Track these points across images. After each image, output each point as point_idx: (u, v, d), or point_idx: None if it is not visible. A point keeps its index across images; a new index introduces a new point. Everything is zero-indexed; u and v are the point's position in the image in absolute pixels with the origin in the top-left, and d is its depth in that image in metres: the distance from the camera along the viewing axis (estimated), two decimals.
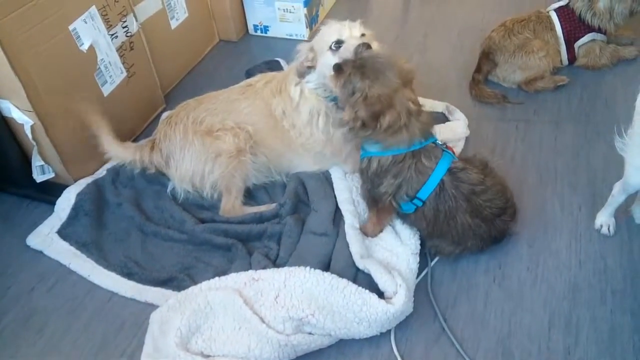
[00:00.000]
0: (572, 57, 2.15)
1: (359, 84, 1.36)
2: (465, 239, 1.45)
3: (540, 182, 1.73)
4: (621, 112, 1.95)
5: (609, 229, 1.56)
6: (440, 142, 1.45)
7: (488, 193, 1.42)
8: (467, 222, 1.42)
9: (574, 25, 2.09)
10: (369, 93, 1.34)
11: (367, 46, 1.47)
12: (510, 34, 2.08)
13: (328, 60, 1.53)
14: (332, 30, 1.57)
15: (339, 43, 1.54)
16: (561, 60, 2.15)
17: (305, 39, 2.51)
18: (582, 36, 2.11)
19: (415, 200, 1.43)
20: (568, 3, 2.09)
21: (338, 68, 1.41)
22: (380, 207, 1.51)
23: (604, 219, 1.57)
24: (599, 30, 2.09)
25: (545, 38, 2.08)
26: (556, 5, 2.12)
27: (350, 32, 1.55)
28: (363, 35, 1.57)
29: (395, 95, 1.35)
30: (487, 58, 2.13)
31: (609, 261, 1.49)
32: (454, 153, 1.46)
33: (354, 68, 1.37)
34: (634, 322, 1.34)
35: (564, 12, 2.09)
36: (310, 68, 1.60)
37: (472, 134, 1.91)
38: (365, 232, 1.58)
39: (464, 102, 2.06)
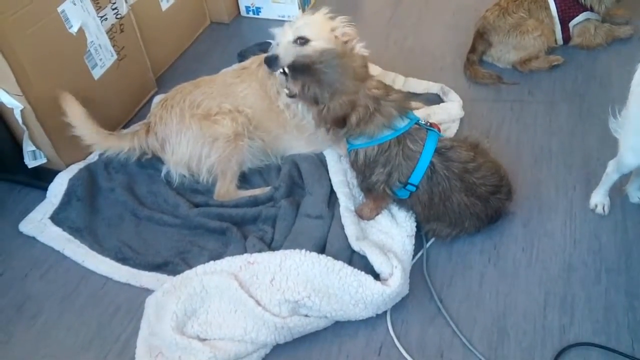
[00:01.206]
0: (566, 37, 2.13)
1: (318, 94, 1.37)
2: (462, 219, 1.45)
3: (535, 162, 1.73)
4: (616, 92, 1.95)
5: (603, 208, 1.56)
6: (422, 121, 1.44)
7: (481, 170, 1.42)
8: (463, 202, 1.41)
9: (569, 4, 2.07)
10: (331, 105, 1.35)
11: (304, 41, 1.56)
12: (505, 13, 2.07)
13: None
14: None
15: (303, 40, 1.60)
16: (556, 40, 2.13)
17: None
18: (577, 15, 2.09)
19: (408, 186, 1.42)
20: None
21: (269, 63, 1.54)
22: (375, 194, 1.51)
23: (598, 199, 1.57)
24: (593, 10, 2.08)
25: (539, 17, 2.06)
26: None
27: (284, 38, 1.61)
28: (300, 38, 1.59)
29: (355, 94, 1.35)
30: (481, 38, 2.11)
31: (603, 240, 1.50)
32: (439, 130, 1.45)
33: (310, 79, 1.37)
34: (628, 301, 1.35)
35: None
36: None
37: (466, 115, 1.90)
38: (361, 215, 1.58)
39: (458, 83, 2.05)
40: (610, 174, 1.50)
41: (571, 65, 2.09)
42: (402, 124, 1.39)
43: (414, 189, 1.42)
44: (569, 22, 2.10)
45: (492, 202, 1.45)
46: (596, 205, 1.57)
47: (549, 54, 2.11)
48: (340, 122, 1.38)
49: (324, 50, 1.45)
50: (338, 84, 1.35)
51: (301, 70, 1.39)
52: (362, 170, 1.46)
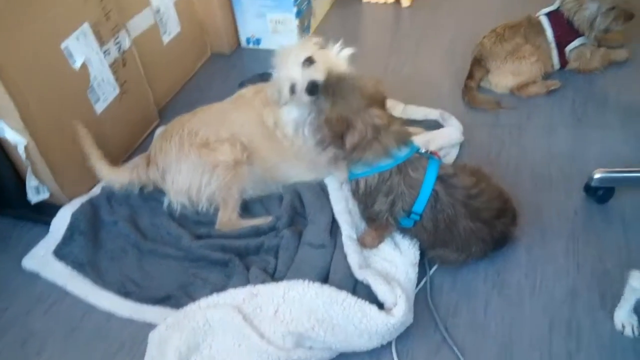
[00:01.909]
0: (563, 62, 2.16)
1: (323, 105, 1.38)
2: (469, 244, 1.45)
3: (535, 187, 1.73)
4: (613, 116, 1.96)
5: (633, 329, 1.32)
6: (422, 150, 1.45)
7: (484, 195, 1.42)
8: (469, 227, 1.41)
9: (565, 29, 2.10)
10: (328, 115, 1.36)
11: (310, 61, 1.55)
12: (502, 39, 2.09)
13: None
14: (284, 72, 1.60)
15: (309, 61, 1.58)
16: (553, 65, 2.16)
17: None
18: (573, 40, 2.11)
19: (412, 215, 1.42)
20: (558, 7, 2.10)
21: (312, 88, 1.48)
22: (378, 223, 1.51)
23: (624, 317, 1.33)
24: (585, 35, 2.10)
25: (536, 43, 2.09)
26: (546, 10, 2.13)
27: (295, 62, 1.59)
28: (308, 59, 1.59)
29: (356, 116, 1.35)
30: (479, 64, 2.14)
31: (607, 264, 1.49)
32: (439, 158, 1.46)
33: (324, 90, 1.40)
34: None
35: (555, 17, 2.10)
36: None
37: (466, 140, 1.91)
38: (363, 243, 1.57)
39: (457, 109, 2.06)
40: (637, 287, 1.28)
41: (568, 90, 2.11)
42: (402, 153, 1.40)
43: (418, 217, 1.42)
44: (565, 47, 2.12)
45: (497, 226, 1.45)
46: (623, 326, 1.33)
47: (546, 78, 2.13)
48: (335, 138, 1.38)
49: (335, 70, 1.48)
50: (342, 97, 1.36)
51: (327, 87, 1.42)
52: (364, 199, 1.46)
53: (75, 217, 1.74)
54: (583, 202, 1.67)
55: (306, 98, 1.53)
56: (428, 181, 1.39)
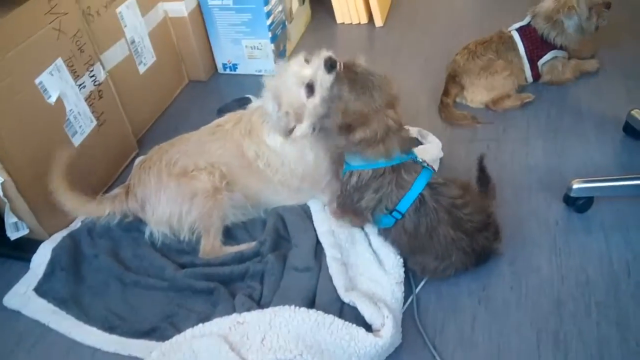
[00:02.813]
0: (536, 75, 2.20)
1: (345, 93, 1.40)
2: (448, 252, 1.46)
3: (516, 199, 1.75)
4: (588, 126, 2.00)
5: None
6: (420, 160, 1.48)
7: (469, 207, 1.44)
8: (450, 235, 1.43)
9: (536, 43, 2.14)
10: (349, 106, 1.39)
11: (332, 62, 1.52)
12: (474, 56, 2.13)
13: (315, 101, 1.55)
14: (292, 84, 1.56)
15: (310, 90, 1.55)
16: (526, 78, 2.19)
17: (275, 73, 2.52)
18: (545, 54, 2.15)
19: (394, 213, 1.44)
20: (529, 22, 2.15)
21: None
22: (351, 214, 1.55)
23: None
24: (561, 48, 2.15)
25: (508, 58, 2.13)
26: (517, 25, 2.17)
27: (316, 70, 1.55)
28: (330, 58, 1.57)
29: (374, 114, 1.38)
30: (453, 81, 2.17)
31: (590, 273, 1.50)
32: (434, 170, 1.49)
33: (347, 76, 1.41)
34: (620, 333, 1.35)
35: (526, 32, 2.14)
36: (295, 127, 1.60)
37: (445, 156, 1.93)
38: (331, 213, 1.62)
39: (435, 126, 2.09)
40: None
41: (543, 102, 2.14)
42: (400, 156, 1.44)
43: (399, 216, 1.44)
44: (538, 60, 2.16)
45: (478, 239, 1.46)
46: None
47: (520, 92, 2.16)
48: (344, 129, 1.40)
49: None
50: (367, 92, 1.38)
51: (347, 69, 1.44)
52: (352, 193, 1.48)
53: (55, 252, 1.72)
54: (563, 212, 1.69)
55: (327, 80, 1.50)
56: (417, 184, 1.42)
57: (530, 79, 2.20)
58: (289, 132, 1.60)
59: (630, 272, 1.49)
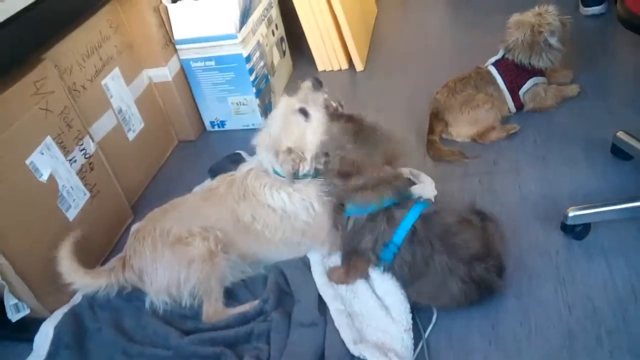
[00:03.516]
0: (518, 104, 2.23)
1: (345, 143, 1.46)
2: (446, 282, 1.45)
3: (514, 232, 1.75)
4: (576, 150, 2.02)
5: None
6: (415, 196, 1.52)
7: (464, 234, 1.45)
8: (445, 262, 1.44)
9: (515, 74, 2.18)
10: (348, 155, 1.45)
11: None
12: (454, 92, 2.16)
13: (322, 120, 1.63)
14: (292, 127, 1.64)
15: (304, 113, 1.64)
16: (509, 109, 2.23)
17: (262, 126, 2.55)
18: (524, 82, 2.19)
19: (390, 245, 1.47)
20: (504, 55, 2.20)
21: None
22: (354, 260, 1.57)
23: None
24: (540, 73, 2.19)
25: (488, 91, 2.16)
26: (493, 59, 2.22)
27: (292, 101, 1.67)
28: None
29: (371, 168, 1.44)
30: (437, 118, 2.20)
31: (596, 301, 1.49)
32: (430, 203, 1.52)
33: (353, 128, 1.48)
34: None
35: (502, 65, 2.19)
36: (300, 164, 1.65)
37: (439, 194, 1.92)
38: (331, 278, 1.61)
39: (425, 164, 2.11)
40: None
41: (529, 130, 2.17)
42: (393, 199, 1.47)
43: (395, 249, 1.47)
44: (518, 90, 2.20)
45: (476, 267, 1.45)
46: None
47: (505, 122, 2.19)
48: (341, 175, 1.47)
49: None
50: (368, 146, 1.46)
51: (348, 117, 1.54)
52: (351, 237, 1.52)
53: (57, 330, 1.69)
54: (562, 240, 1.69)
55: (318, 98, 1.64)
56: (408, 218, 1.46)
57: (513, 109, 2.23)
58: (297, 170, 1.63)
59: (637, 296, 1.48)
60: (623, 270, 1.56)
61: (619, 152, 1.91)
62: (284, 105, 1.69)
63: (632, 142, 1.84)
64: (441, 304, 1.52)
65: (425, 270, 1.46)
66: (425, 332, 1.51)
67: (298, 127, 1.64)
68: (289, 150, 1.62)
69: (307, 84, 1.70)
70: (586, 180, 1.88)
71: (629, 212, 1.63)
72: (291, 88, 2.82)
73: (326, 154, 1.53)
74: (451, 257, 1.43)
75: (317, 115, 1.66)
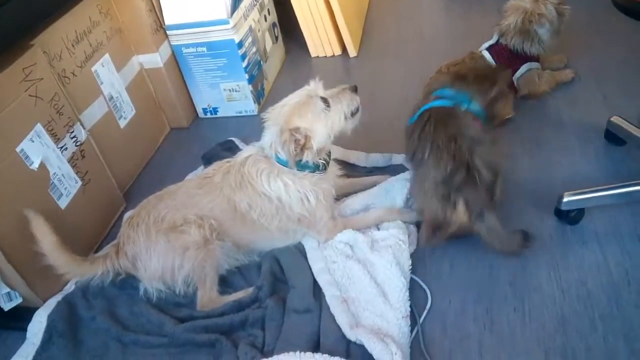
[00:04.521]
0: (513, 90, 2.22)
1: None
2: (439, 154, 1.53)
3: (509, 216, 1.73)
4: (571, 136, 2.02)
5: None
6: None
7: (483, 145, 1.51)
8: (441, 138, 1.53)
9: (509, 59, 2.16)
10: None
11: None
12: None
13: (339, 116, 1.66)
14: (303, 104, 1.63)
15: (325, 102, 1.62)
16: None
17: (255, 113, 2.55)
18: (518, 68, 2.18)
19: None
20: (498, 40, 2.18)
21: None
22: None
23: None
24: (534, 59, 2.18)
25: None
26: (487, 44, 2.20)
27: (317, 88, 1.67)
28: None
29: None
30: None
31: (590, 286, 1.50)
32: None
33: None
34: (628, 345, 1.34)
35: (497, 50, 2.17)
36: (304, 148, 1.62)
37: None
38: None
39: None
40: None
41: (523, 116, 2.16)
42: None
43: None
44: (512, 75, 2.19)
45: (475, 159, 1.49)
46: None
47: None
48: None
49: None
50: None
51: None
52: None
53: (51, 318, 1.68)
54: (557, 225, 1.69)
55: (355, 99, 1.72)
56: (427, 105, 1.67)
57: None
58: (300, 152, 1.60)
59: (630, 281, 1.49)
60: (617, 255, 1.57)
61: (612, 137, 1.91)
62: (308, 88, 1.66)
63: (626, 127, 1.84)
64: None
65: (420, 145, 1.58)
66: (420, 317, 1.52)
67: (314, 112, 1.62)
68: (296, 129, 1.59)
69: (345, 85, 1.71)
70: (580, 165, 1.89)
71: (622, 197, 1.64)
72: (285, 73, 2.83)
73: None
74: (449, 138, 1.51)
75: (338, 110, 1.64)
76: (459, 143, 1.51)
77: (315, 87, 1.66)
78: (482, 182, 1.49)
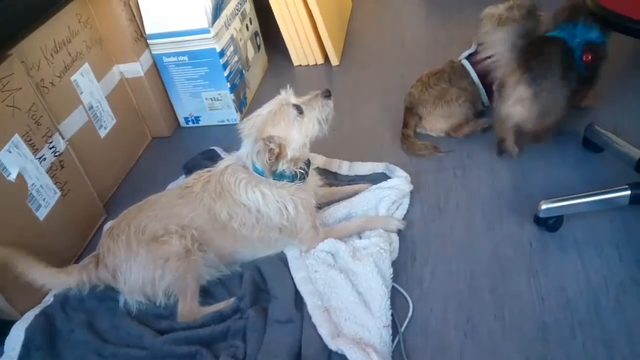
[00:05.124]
0: (492, 98, 2.23)
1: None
2: None
3: (488, 225, 1.77)
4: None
5: None
6: None
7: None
8: None
9: (488, 68, 2.18)
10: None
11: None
12: (427, 87, 2.16)
13: (313, 123, 1.65)
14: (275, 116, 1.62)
15: (298, 109, 1.62)
16: (483, 103, 2.23)
17: (237, 122, 2.54)
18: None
19: None
20: (477, 49, 2.20)
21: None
22: None
23: None
24: None
25: (461, 85, 2.15)
26: (466, 53, 2.22)
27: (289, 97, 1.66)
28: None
29: None
30: (411, 113, 2.20)
31: (569, 293, 1.51)
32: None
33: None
34: (607, 352, 1.35)
35: (476, 58, 2.19)
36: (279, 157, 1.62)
37: (415, 189, 1.94)
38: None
39: (401, 159, 2.11)
40: None
41: None
42: None
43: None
44: (492, 84, 2.20)
45: None
46: None
47: (479, 116, 2.20)
48: None
49: None
50: None
51: None
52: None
53: (29, 332, 1.66)
54: (536, 232, 1.71)
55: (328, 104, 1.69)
56: None
57: (487, 102, 2.23)
58: (275, 162, 1.60)
59: (609, 287, 1.51)
60: (595, 262, 1.58)
61: (590, 144, 1.94)
62: (279, 97, 1.66)
63: (603, 134, 1.87)
64: None
65: None
66: (401, 326, 1.52)
67: (286, 120, 1.62)
68: (269, 138, 1.59)
69: (317, 91, 1.70)
70: (559, 172, 1.91)
71: (600, 203, 1.66)
72: (267, 82, 2.83)
73: None
74: None
75: (312, 117, 1.64)
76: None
77: (286, 95, 1.66)
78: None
